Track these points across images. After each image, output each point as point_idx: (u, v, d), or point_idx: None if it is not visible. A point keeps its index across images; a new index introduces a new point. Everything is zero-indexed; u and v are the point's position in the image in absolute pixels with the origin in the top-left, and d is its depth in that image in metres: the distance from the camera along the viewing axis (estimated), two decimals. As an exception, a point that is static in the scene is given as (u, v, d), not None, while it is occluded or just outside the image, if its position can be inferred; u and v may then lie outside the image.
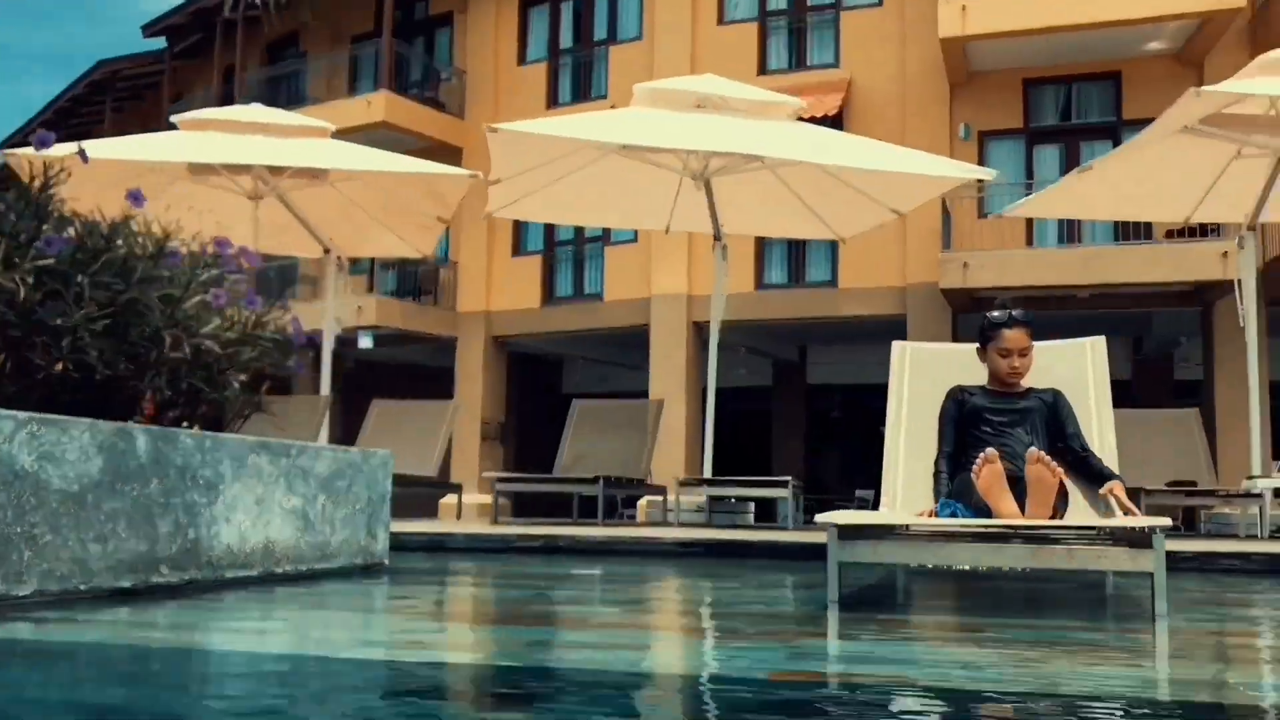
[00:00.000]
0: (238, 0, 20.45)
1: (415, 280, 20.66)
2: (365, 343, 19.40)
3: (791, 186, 9.79)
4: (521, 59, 20.12)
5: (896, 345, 5.20)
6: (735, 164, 9.09)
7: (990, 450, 3.52)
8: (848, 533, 3.32)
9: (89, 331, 3.03)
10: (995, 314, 4.59)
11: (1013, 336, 4.49)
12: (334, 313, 10.51)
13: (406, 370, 21.60)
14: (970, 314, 16.10)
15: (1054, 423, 4.47)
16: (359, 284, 19.98)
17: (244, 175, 9.63)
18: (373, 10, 19.95)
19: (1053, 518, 3.64)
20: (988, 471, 3.50)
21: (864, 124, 16.76)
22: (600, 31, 19.80)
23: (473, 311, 19.73)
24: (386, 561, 4.44)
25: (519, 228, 19.92)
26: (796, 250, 17.42)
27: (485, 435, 19.59)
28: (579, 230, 19.19)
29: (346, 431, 10.49)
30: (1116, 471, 4.42)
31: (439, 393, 19.67)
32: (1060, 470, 3.57)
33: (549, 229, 19.67)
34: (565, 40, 20.07)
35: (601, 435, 9.74)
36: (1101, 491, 4.16)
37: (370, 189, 9.94)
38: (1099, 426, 4.56)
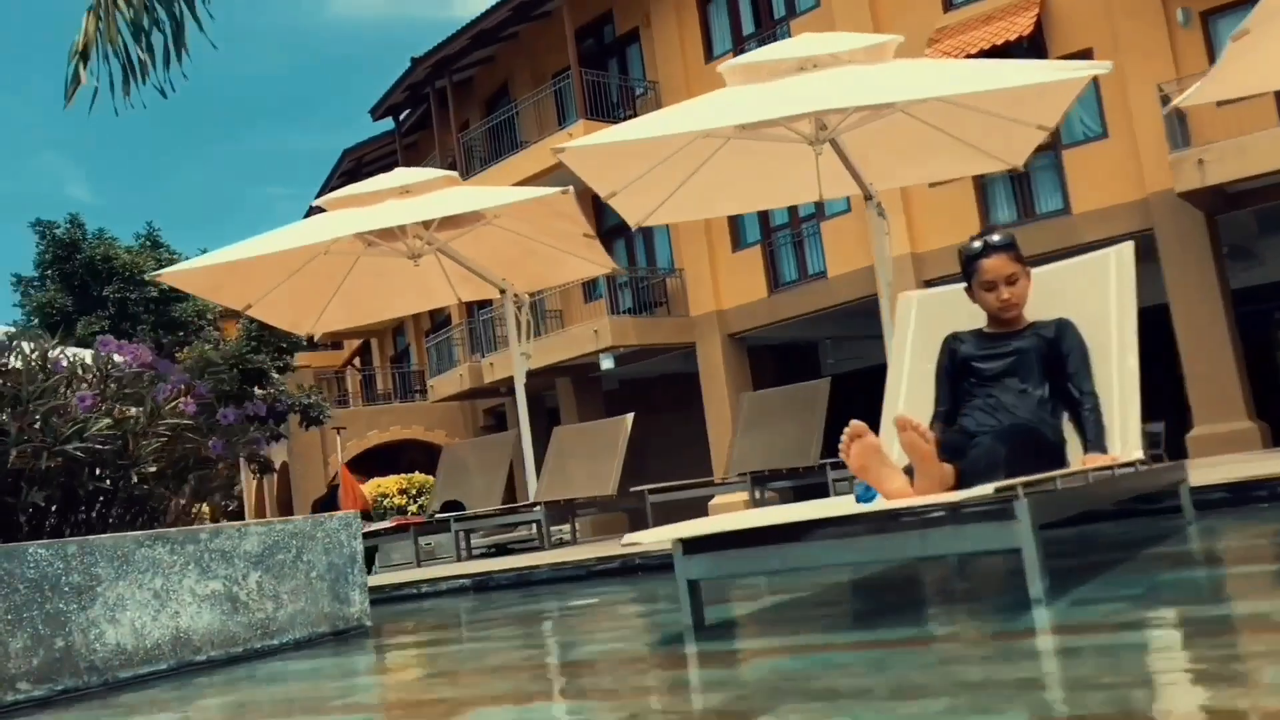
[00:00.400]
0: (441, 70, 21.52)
1: (649, 293, 20.83)
2: (607, 364, 19.77)
3: (934, 124, 8.94)
4: (708, 56, 19.89)
5: (902, 298, 4.56)
6: (860, 118, 8.40)
7: (855, 424, 2.93)
8: (695, 546, 2.87)
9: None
10: (971, 244, 3.91)
11: (992, 265, 3.81)
12: (520, 349, 10.68)
13: (662, 381, 21.83)
14: (1227, 213, 14.18)
15: (1055, 361, 3.74)
16: (599, 308, 20.38)
17: (399, 239, 10.02)
18: (565, 45, 20.38)
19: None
20: (857, 449, 2.91)
21: (1066, 37, 15.26)
22: (779, 9, 19.27)
23: (704, 313, 19.63)
24: (368, 623, 4.36)
25: (735, 224, 19.66)
26: (1018, 184, 16.04)
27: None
28: (792, 211, 18.66)
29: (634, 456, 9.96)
30: (1135, 401, 3.64)
31: (696, 397, 19.73)
32: (931, 435, 2.92)
33: (763, 218, 19.28)
34: (746, 26, 19.68)
35: (766, 425, 9.32)
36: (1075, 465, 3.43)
37: (527, 221, 10.01)
38: (1118, 351, 3.78)
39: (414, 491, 16.42)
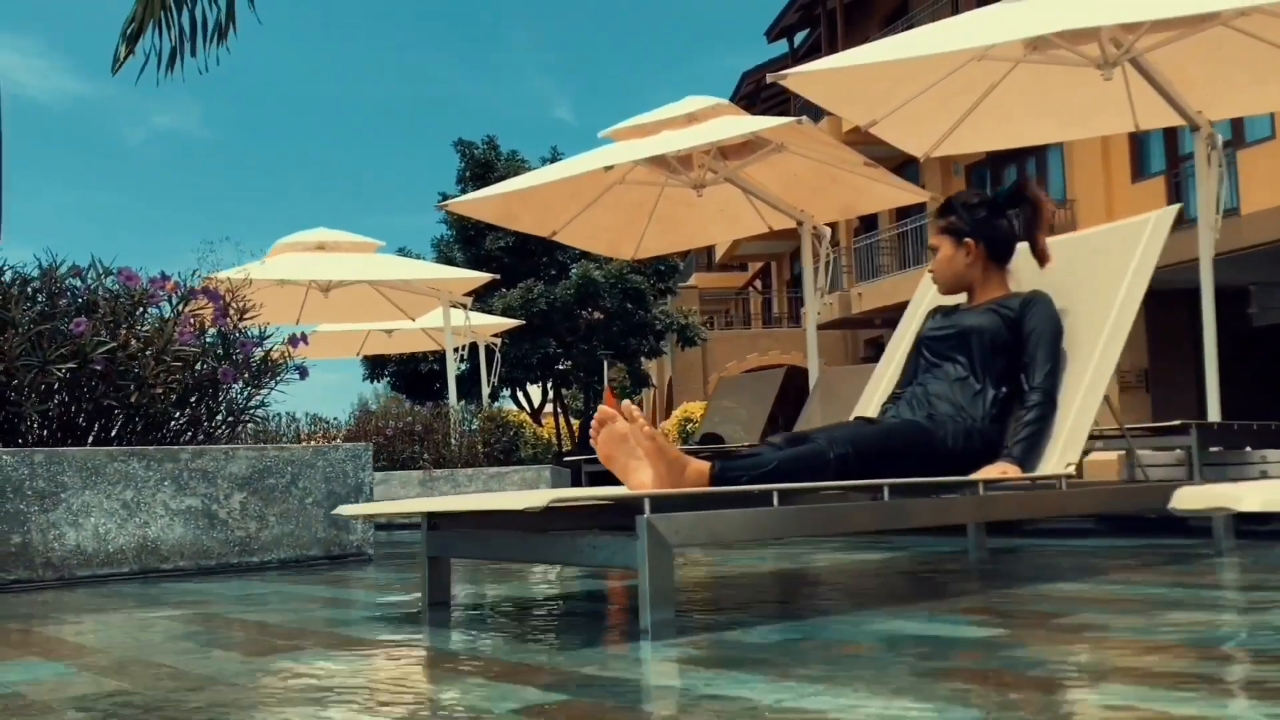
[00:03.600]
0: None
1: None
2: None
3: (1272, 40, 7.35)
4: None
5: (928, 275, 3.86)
6: (1166, 36, 7.09)
7: (603, 409, 2.52)
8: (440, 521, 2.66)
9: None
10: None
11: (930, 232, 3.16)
12: (818, 286, 10.38)
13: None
14: None
15: (1010, 344, 3.03)
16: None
17: (685, 170, 10.01)
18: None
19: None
20: (603, 436, 2.51)
21: None
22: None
23: (1096, 251, 17.68)
24: (370, 551, 4.49)
25: (1136, 150, 17.48)
26: None
27: (1124, 385, 17.68)
28: (1204, 137, 16.17)
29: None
30: (1095, 402, 2.88)
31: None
32: (636, 413, 2.43)
33: (1169, 143, 16.93)
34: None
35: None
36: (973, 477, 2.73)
37: (823, 148, 9.60)
38: (1107, 339, 2.98)
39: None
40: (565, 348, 20.42)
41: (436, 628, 2.38)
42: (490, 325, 15.41)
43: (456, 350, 11.95)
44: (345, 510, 2.63)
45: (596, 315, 20.57)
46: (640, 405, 28.60)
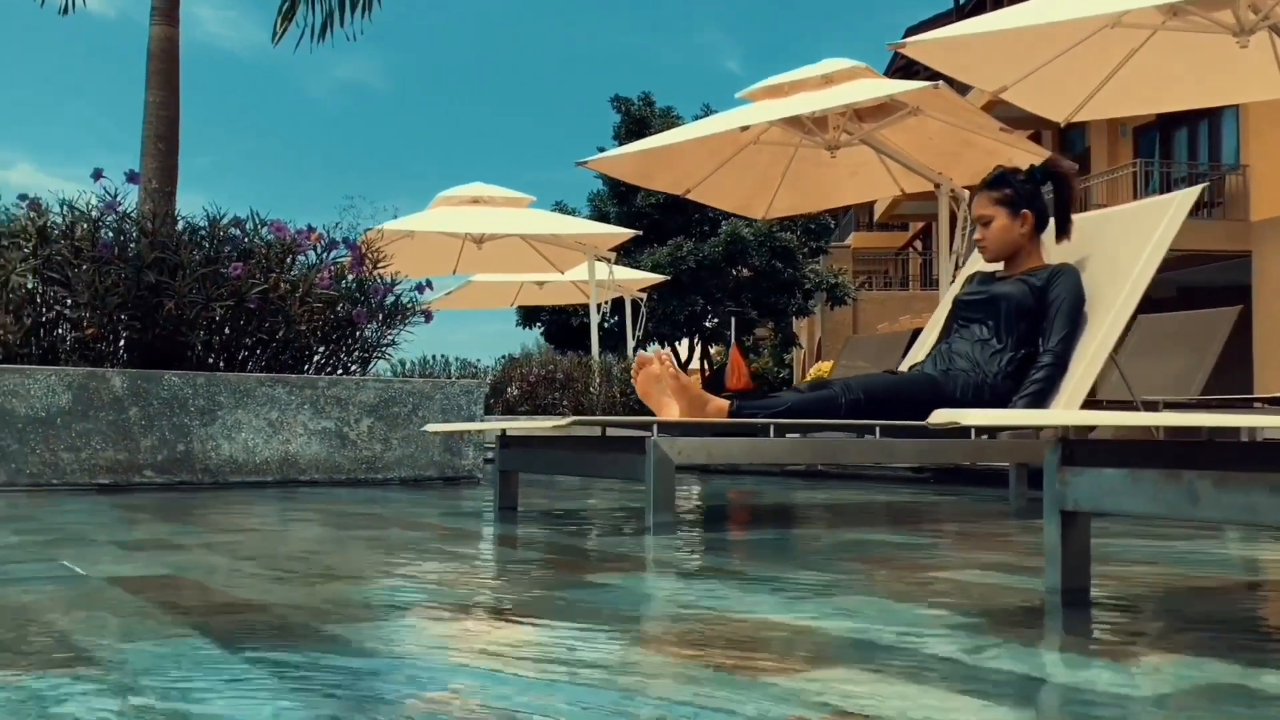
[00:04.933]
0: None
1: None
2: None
3: None
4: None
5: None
6: None
7: (641, 354, 2.97)
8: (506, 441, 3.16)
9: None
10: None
11: (975, 203, 3.44)
12: (951, 247, 10.52)
13: (1201, 294, 19.31)
14: None
15: (1034, 311, 3.31)
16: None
17: (819, 131, 10.27)
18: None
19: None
20: (641, 377, 2.95)
21: None
22: None
23: (1269, 218, 16.94)
24: (479, 475, 5.06)
25: (1316, 112, 16.53)
26: None
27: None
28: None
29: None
30: (1099, 361, 3.16)
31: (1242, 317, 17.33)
32: (667, 359, 2.85)
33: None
34: None
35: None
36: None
37: (958, 112, 9.72)
38: (1121, 304, 3.25)
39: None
40: (713, 304, 20.82)
41: (502, 524, 2.88)
42: (636, 280, 15.92)
43: (600, 305, 12.51)
44: (431, 428, 3.15)
45: (744, 272, 20.87)
46: (790, 365, 28.77)
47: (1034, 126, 16.45)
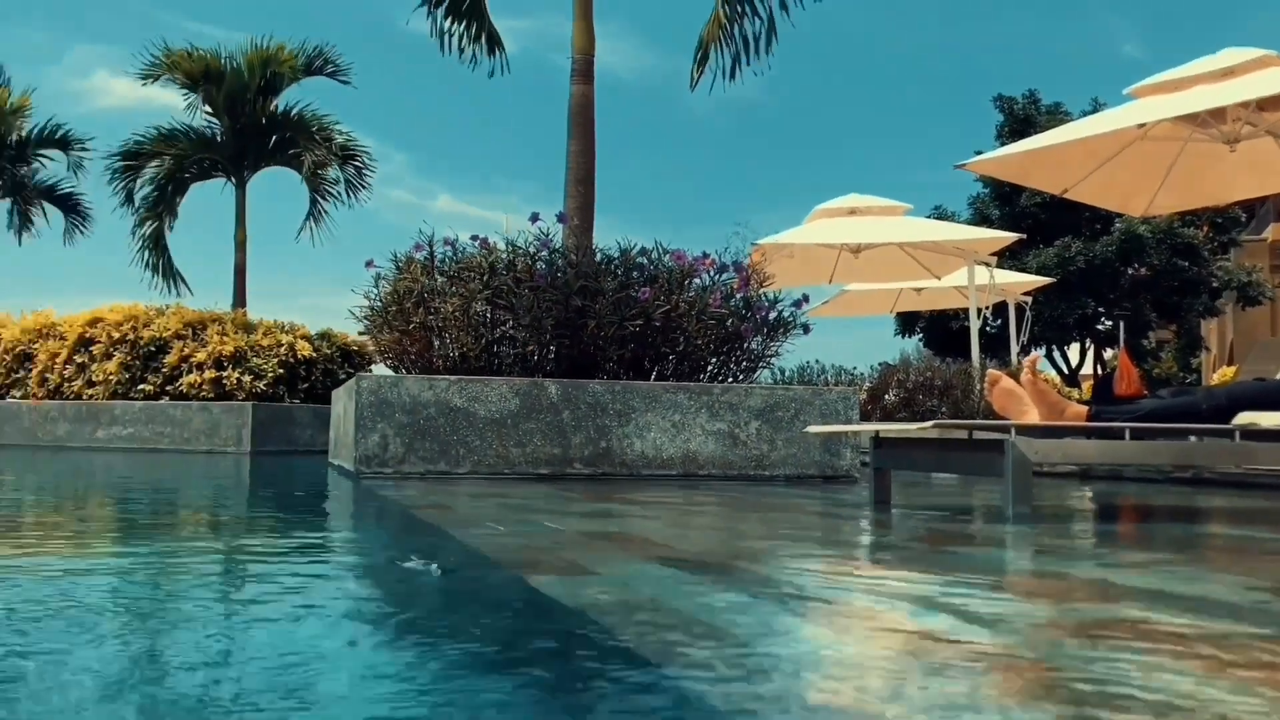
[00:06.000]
0: None
1: None
2: None
3: None
4: None
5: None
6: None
7: (991, 372, 3.31)
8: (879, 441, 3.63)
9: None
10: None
11: None
12: None
13: None
14: None
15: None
16: None
17: (1216, 124, 9.89)
18: None
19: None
20: (996, 393, 3.31)
21: None
22: None
23: None
24: (856, 475, 5.50)
25: None
26: None
27: None
28: None
29: None
30: None
31: None
32: (1028, 364, 3.16)
33: None
34: None
35: None
36: None
37: None
38: None
39: None
40: (1105, 306, 19.86)
41: (876, 511, 3.35)
42: (1020, 283, 15.63)
43: (980, 310, 12.50)
44: (812, 430, 3.66)
45: (1141, 271, 19.73)
46: (1198, 370, 26.63)
47: None
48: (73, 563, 1.98)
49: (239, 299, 13.88)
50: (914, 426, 3.03)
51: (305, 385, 10.68)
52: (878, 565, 1.96)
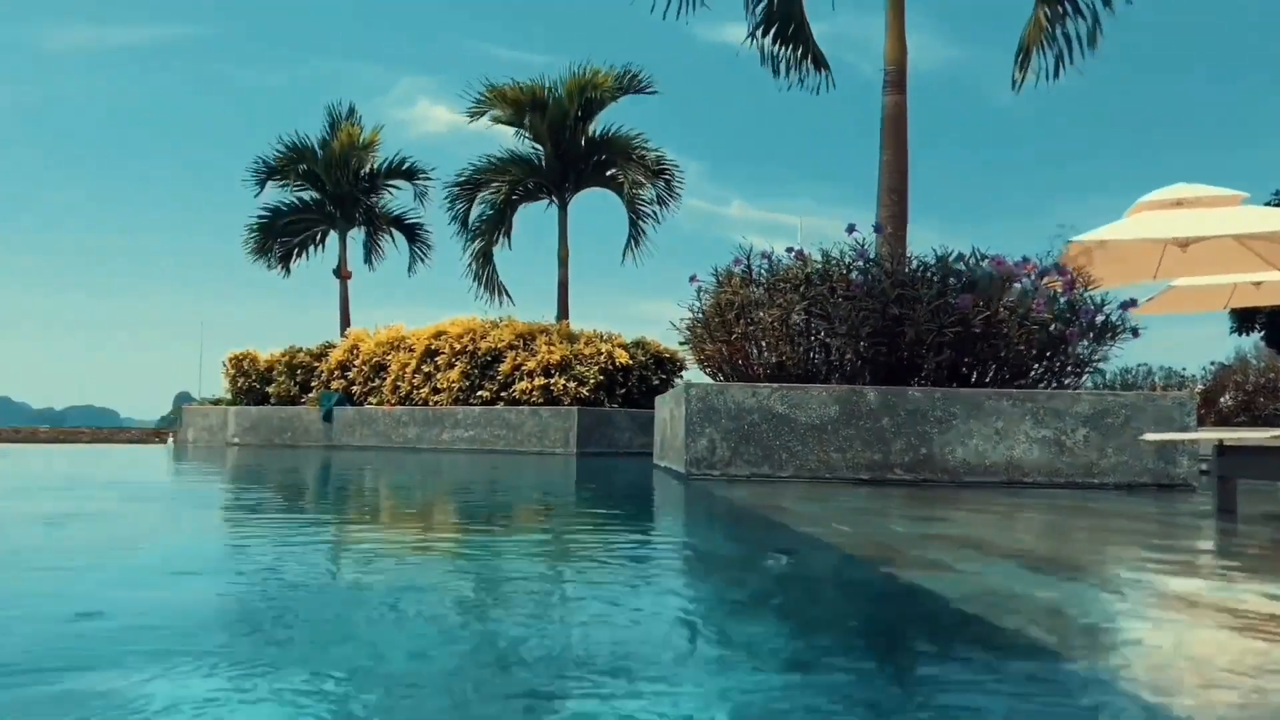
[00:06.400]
0: None
1: None
2: None
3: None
4: None
5: None
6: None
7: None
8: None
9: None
10: None
11: None
12: None
13: None
14: None
15: None
16: None
17: None
18: None
19: None
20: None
21: None
22: None
23: None
24: (1194, 484, 5.27)
25: None
26: None
27: None
28: None
29: None
30: None
31: None
32: None
33: None
34: None
35: None
36: None
37: None
38: None
39: None
40: None
41: (1221, 521, 3.29)
42: (1379, 274, 14.10)
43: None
44: (1149, 437, 3.63)
45: None
46: None
47: None
48: (513, 541, 2.37)
49: (562, 311, 14.81)
50: (1266, 434, 2.97)
51: (623, 391, 11.31)
52: (1235, 573, 2.00)
